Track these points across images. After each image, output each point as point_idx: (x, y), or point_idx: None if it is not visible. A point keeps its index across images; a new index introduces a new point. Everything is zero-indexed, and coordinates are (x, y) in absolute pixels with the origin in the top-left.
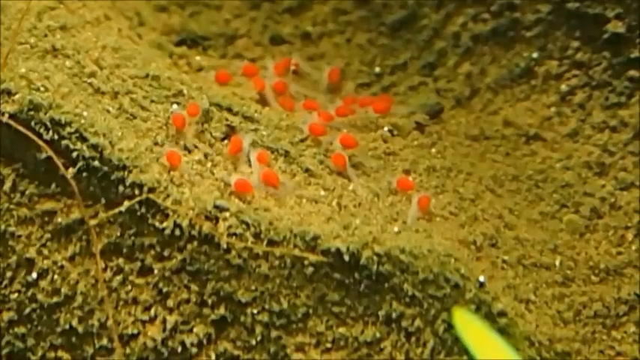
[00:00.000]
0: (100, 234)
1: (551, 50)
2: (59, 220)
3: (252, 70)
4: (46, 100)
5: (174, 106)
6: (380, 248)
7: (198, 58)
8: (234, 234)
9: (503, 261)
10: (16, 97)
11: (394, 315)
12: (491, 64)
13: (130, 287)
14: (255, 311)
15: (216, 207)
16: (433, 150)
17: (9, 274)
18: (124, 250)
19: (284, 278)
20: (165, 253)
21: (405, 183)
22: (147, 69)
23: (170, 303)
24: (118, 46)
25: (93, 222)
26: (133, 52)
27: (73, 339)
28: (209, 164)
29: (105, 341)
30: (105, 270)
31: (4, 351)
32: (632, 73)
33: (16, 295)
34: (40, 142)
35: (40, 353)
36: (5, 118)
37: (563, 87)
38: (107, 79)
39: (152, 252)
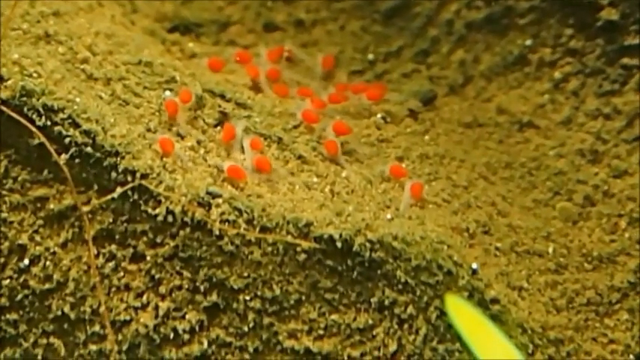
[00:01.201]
0: (93, 220)
1: (545, 38)
2: (51, 206)
3: (245, 56)
4: (39, 86)
5: (167, 92)
6: (372, 235)
7: (191, 44)
8: (227, 220)
9: (496, 248)
10: (9, 83)
11: (387, 302)
12: (484, 52)
13: (122, 274)
14: (247, 298)
15: (208, 193)
16: (426, 137)
17: (1, 260)
18: (117, 237)
19: (276, 265)
20: (158, 240)
21: (397, 170)
22: (140, 55)
23: (162, 289)
24: (111, 32)
25: (85, 208)
26: (126, 38)
27: (65, 325)
28: (202, 151)
29: (97, 328)
30: (97, 256)
31: None
32: (626, 60)
33: (8, 281)
34: (33, 128)
35: (32, 339)
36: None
37: (557, 74)
38: (100, 65)
39: (144, 238)
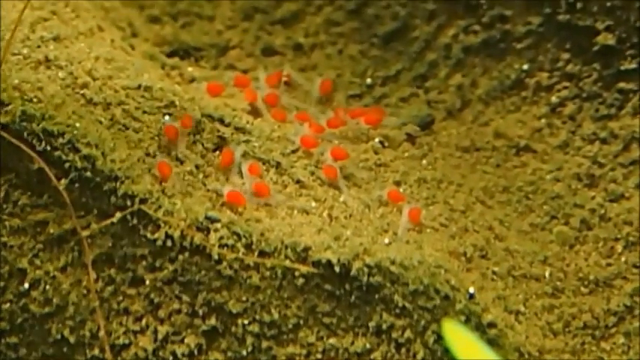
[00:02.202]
0: (92, 244)
1: (542, 62)
2: (51, 230)
3: (244, 81)
4: (39, 111)
5: (167, 117)
6: (370, 259)
7: (190, 69)
8: (226, 245)
9: (493, 272)
10: (9, 107)
11: (384, 326)
12: (482, 76)
13: (121, 298)
14: (246, 322)
15: (207, 218)
16: (424, 161)
17: (1, 284)
18: (116, 261)
19: (275, 289)
20: (157, 264)
21: (395, 195)
22: (139, 80)
23: (161, 313)
24: (111, 57)
25: (85, 233)
26: (126, 63)
27: (65, 349)
28: (201, 175)
29: (96, 351)
30: (97, 280)
31: None
32: (622, 85)
33: (8, 305)
34: (32, 154)
35: None
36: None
37: (554, 98)
38: (100, 90)
39: (144, 263)
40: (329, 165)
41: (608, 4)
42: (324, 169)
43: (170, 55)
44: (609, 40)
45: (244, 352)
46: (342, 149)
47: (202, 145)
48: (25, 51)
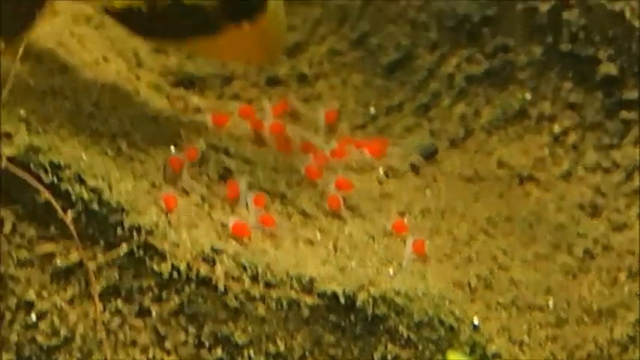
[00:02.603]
0: (99, 276)
1: (545, 91)
2: (58, 262)
3: (248, 111)
4: (46, 142)
5: (172, 148)
6: (375, 291)
7: (195, 99)
8: (232, 276)
9: (497, 302)
10: (16, 139)
11: (389, 357)
12: (485, 105)
13: (128, 329)
14: (252, 353)
15: (213, 250)
16: (428, 191)
17: (9, 316)
18: (123, 293)
19: (280, 320)
20: (164, 296)
21: (399, 226)
22: (145, 111)
23: (168, 345)
24: (117, 87)
25: (91, 265)
26: (132, 93)
27: None
28: (206, 206)
29: None
30: (103, 312)
31: None
32: (625, 114)
33: (15, 337)
34: (39, 187)
35: None
36: (4, 163)
37: (557, 128)
38: (105, 121)
39: (150, 294)
40: (333, 195)
41: (610, 33)
42: (328, 200)
43: (175, 85)
44: (611, 69)
45: None
46: (347, 180)
47: (208, 176)
48: (31, 82)
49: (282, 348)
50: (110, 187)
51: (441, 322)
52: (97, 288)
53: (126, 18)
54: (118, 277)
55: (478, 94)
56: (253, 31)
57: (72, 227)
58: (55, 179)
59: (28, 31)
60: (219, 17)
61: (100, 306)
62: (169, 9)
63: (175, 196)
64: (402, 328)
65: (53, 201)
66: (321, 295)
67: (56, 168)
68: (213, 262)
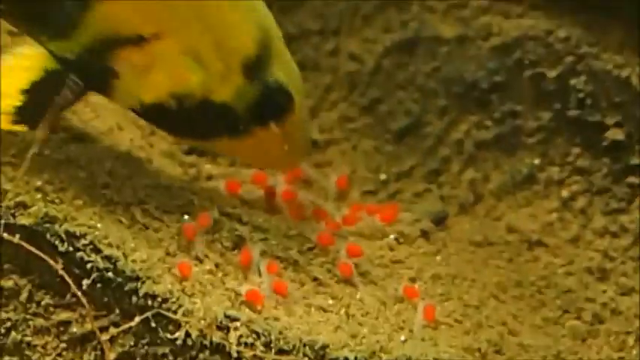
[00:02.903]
0: (114, 343)
1: (553, 157)
2: (74, 329)
3: (261, 178)
4: (61, 212)
5: (185, 216)
6: (387, 357)
7: (208, 166)
8: (245, 343)
9: None
10: (32, 209)
11: None
12: (494, 171)
13: None
14: None
15: (227, 317)
16: (438, 257)
17: None
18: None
19: None
20: None
21: (410, 291)
22: (158, 179)
23: None
24: (131, 156)
25: (105, 335)
26: (145, 162)
27: None
28: (220, 274)
29: None
30: None
31: None
32: (632, 179)
33: None
34: (51, 262)
35: None
36: (16, 240)
37: (565, 193)
38: (120, 189)
39: None
40: (345, 263)
41: (617, 99)
42: (340, 267)
43: (188, 153)
44: (618, 135)
45: None
46: (358, 247)
47: (221, 243)
48: (46, 151)
49: None
50: (125, 256)
51: None
52: (111, 355)
53: (153, 115)
54: (132, 345)
55: (487, 160)
56: (280, 133)
57: (84, 300)
58: (71, 248)
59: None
60: (247, 119)
61: None
62: (198, 108)
63: (190, 264)
64: None
65: (66, 275)
66: None
67: (72, 237)
68: (227, 329)
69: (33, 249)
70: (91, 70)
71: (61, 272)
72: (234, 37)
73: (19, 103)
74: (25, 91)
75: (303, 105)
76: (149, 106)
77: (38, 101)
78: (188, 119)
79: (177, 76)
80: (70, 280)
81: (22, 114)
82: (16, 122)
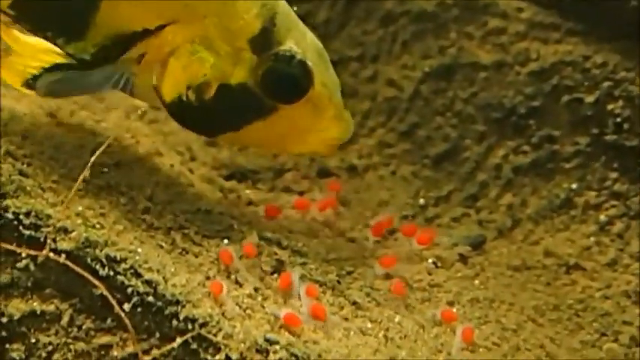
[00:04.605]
0: None
1: (590, 181)
2: (115, 353)
3: (305, 203)
4: (102, 237)
5: (225, 241)
6: None
7: (247, 191)
8: None
9: None
10: (73, 234)
11: None
12: (531, 195)
13: None
14: None
15: (266, 340)
16: (476, 281)
17: None
18: None
19: None
20: None
21: (449, 315)
22: (198, 204)
23: None
24: (170, 181)
25: (146, 358)
26: (185, 187)
27: None
28: (259, 298)
29: None
30: None
31: None
32: None
33: None
34: (95, 282)
35: None
36: (62, 259)
37: (602, 217)
38: (160, 215)
39: None
40: (398, 282)
41: None
42: (394, 286)
43: (227, 178)
44: None
45: None
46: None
47: (261, 268)
48: (87, 177)
49: None
50: (165, 280)
51: None
52: None
53: (179, 113)
54: None
55: (525, 185)
56: (308, 106)
57: (127, 322)
58: (112, 272)
59: None
60: (267, 95)
61: None
62: (218, 95)
63: (221, 283)
64: None
65: (109, 296)
66: None
67: (112, 262)
68: (267, 353)
69: (78, 269)
70: (108, 68)
71: (105, 293)
72: (235, 14)
73: (37, 72)
74: (46, 70)
75: (327, 73)
76: (172, 105)
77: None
78: (212, 110)
79: (189, 65)
80: (114, 302)
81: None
82: (28, 87)
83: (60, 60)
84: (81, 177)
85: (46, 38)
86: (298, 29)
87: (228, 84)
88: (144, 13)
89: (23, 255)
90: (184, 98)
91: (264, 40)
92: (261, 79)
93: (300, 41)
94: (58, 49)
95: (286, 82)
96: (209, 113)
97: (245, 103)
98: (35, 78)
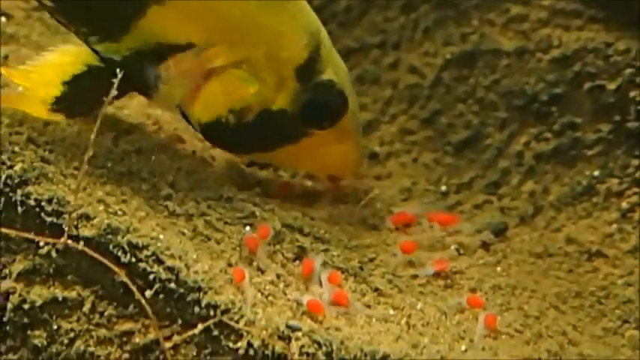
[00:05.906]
0: (176, 353)
1: (612, 168)
2: (137, 340)
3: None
4: (124, 223)
5: (247, 227)
6: None
7: (269, 178)
8: (307, 353)
9: None
10: (95, 221)
11: None
12: (553, 183)
13: None
14: None
15: (288, 327)
16: (498, 268)
17: None
18: None
19: None
20: None
21: (474, 301)
22: (220, 191)
23: None
24: (192, 168)
25: (168, 344)
26: (207, 174)
27: None
28: (281, 285)
29: None
30: None
31: None
32: None
33: None
34: (115, 269)
35: None
36: (81, 247)
37: (624, 204)
38: (182, 202)
39: None
40: (441, 260)
41: None
42: (436, 263)
43: (249, 165)
44: None
45: None
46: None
47: (282, 254)
48: (109, 164)
49: None
50: (187, 267)
51: None
52: None
53: (213, 133)
54: (195, 355)
55: (547, 172)
56: (339, 131)
57: (148, 309)
58: (134, 259)
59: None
60: (304, 121)
61: None
62: (257, 120)
63: (243, 270)
64: None
65: (130, 283)
66: None
67: (134, 248)
68: (289, 340)
69: (98, 256)
70: (136, 72)
71: (125, 279)
72: (284, 43)
73: (58, 94)
74: (66, 83)
75: (353, 100)
76: (208, 126)
77: (77, 93)
78: (249, 133)
79: (233, 90)
80: (134, 289)
81: (60, 104)
82: (54, 111)
83: (77, 70)
84: (86, 157)
85: (77, 33)
86: (334, 56)
87: (270, 109)
88: (192, 28)
89: (41, 243)
90: (223, 120)
91: (309, 69)
92: (302, 106)
93: (338, 70)
94: (74, 58)
95: (325, 110)
96: (246, 136)
97: (282, 127)
98: (58, 100)
